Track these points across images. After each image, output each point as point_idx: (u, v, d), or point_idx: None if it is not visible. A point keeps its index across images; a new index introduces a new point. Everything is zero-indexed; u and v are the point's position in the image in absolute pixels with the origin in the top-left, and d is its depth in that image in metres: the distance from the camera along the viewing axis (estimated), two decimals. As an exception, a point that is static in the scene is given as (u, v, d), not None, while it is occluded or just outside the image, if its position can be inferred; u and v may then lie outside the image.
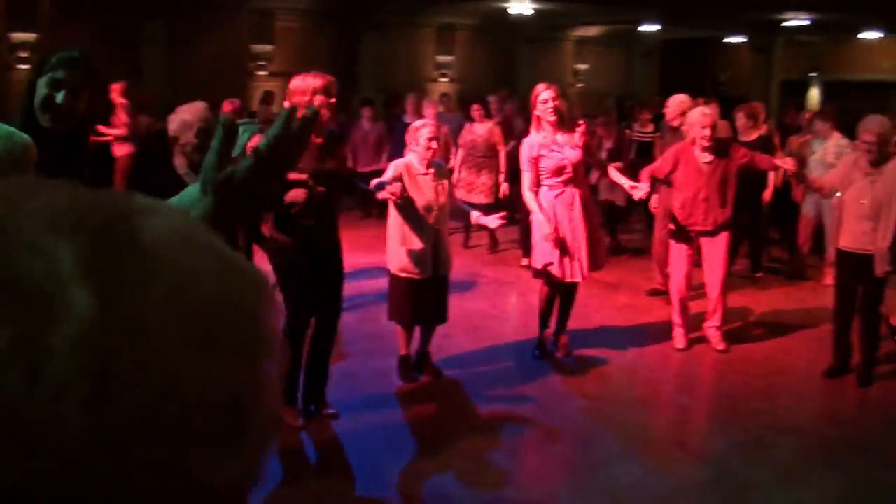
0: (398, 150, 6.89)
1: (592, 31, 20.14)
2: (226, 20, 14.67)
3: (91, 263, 0.44)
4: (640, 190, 5.88)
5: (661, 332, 6.49)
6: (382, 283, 5.77)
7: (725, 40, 22.23)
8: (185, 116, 3.93)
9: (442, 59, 17.90)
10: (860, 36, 19.52)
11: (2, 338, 0.42)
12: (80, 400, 0.42)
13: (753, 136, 7.67)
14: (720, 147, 6.06)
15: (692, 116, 6.09)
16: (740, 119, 7.84)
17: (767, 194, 7.87)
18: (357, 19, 15.88)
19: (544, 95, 5.53)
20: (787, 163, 6.10)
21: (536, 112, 5.58)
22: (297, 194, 4.17)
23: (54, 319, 0.43)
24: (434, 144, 5.22)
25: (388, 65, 16.52)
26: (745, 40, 21.03)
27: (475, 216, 5.62)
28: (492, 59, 18.46)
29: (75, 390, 0.42)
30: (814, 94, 21.73)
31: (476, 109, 9.29)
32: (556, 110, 5.55)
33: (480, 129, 9.16)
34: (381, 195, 4.99)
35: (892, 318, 6.05)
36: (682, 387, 6.14)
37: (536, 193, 5.66)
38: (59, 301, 0.43)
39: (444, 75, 17.85)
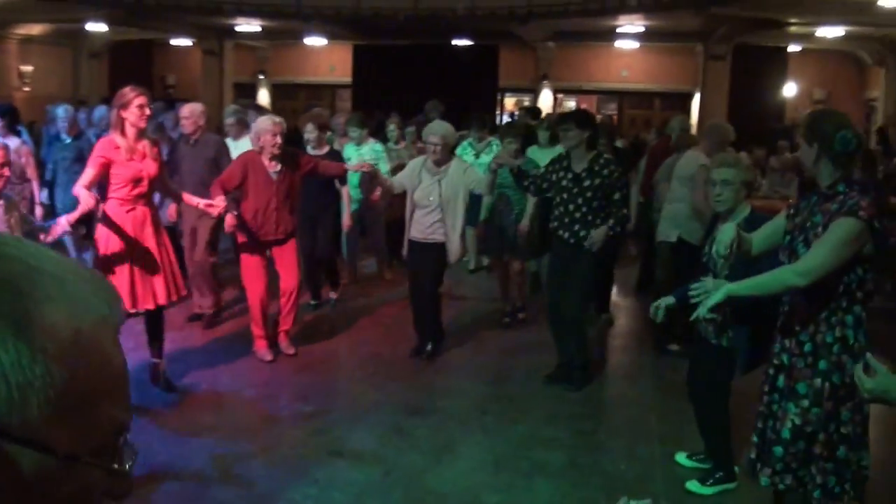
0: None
1: (37, 29, 18.39)
2: None
3: None
4: (216, 206, 5.58)
5: (243, 349, 6.35)
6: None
7: (174, 42, 22.12)
8: None
9: None
10: (305, 41, 21.14)
11: None
12: None
13: (324, 150, 7.33)
14: (286, 156, 6.06)
15: (261, 125, 5.97)
16: (311, 131, 7.29)
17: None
18: None
19: (140, 101, 4.97)
20: (363, 165, 6.37)
21: (125, 114, 4.97)
22: None
23: None
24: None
25: None
26: (193, 43, 21.17)
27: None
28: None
29: None
30: (263, 96, 22.94)
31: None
32: (148, 118, 5.06)
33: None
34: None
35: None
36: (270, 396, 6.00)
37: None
38: None
39: None
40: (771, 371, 3.48)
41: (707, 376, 4.37)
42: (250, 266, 6.11)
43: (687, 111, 22.91)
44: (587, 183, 5.44)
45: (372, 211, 8.15)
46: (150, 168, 5.20)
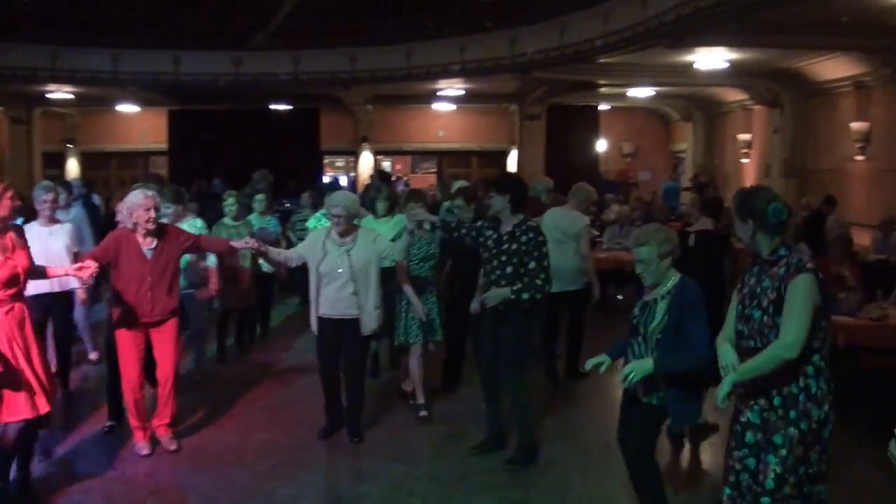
0: None
1: None
2: None
3: None
4: (87, 268, 4.86)
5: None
6: None
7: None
8: None
9: None
10: (117, 108, 20.10)
11: None
12: None
13: None
14: (162, 231, 5.60)
15: (133, 199, 5.46)
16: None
17: None
18: None
19: (10, 192, 4.43)
20: (249, 242, 5.94)
21: None
22: None
23: None
24: None
25: None
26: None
27: None
28: None
29: None
30: (72, 165, 21.54)
31: None
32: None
33: None
34: None
35: (404, 384, 6.52)
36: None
37: None
38: None
39: None
40: (738, 428, 3.64)
41: (637, 433, 4.38)
42: (124, 347, 5.53)
43: (503, 167, 23.75)
44: (505, 247, 5.32)
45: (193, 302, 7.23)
46: (22, 261, 4.63)
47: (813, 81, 16.15)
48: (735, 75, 16.62)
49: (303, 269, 8.64)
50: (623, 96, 20.80)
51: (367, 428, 6.18)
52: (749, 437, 3.56)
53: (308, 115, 21.28)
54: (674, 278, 4.30)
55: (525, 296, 5.24)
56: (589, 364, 4.51)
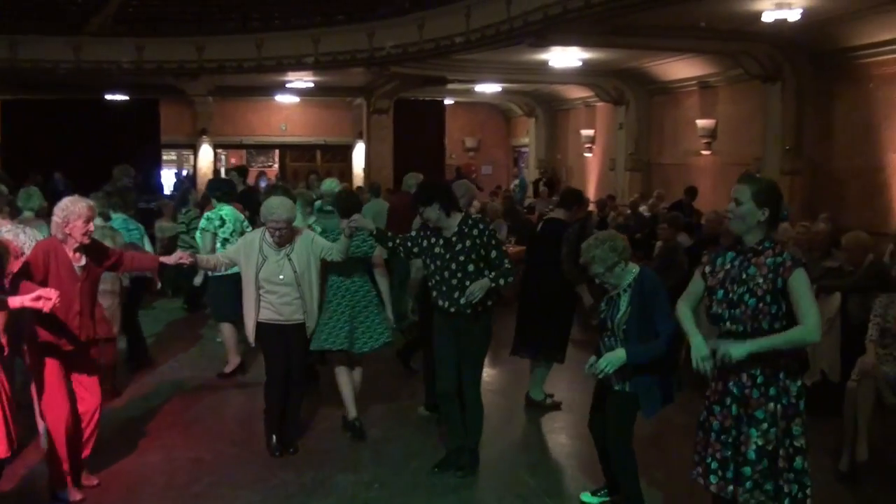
0: None
1: None
2: None
3: None
4: (47, 297, 4.25)
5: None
6: None
7: None
8: None
9: None
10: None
11: None
12: None
13: None
14: (90, 247, 4.93)
15: (73, 207, 4.81)
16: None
17: None
18: None
19: None
20: (183, 258, 5.44)
21: None
22: None
23: None
24: None
25: None
26: None
27: None
28: None
29: None
30: None
31: None
32: None
33: None
34: None
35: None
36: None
37: None
38: None
39: None
40: (728, 401, 3.78)
41: (614, 421, 4.55)
42: (53, 382, 4.79)
43: (348, 161, 23.55)
44: (459, 247, 5.15)
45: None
46: None
47: (658, 81, 17.05)
48: (584, 74, 17.27)
49: (190, 271, 8.26)
50: (469, 91, 21.12)
51: (322, 434, 5.99)
52: (734, 409, 3.73)
53: (148, 106, 20.20)
54: (633, 271, 4.51)
55: (502, 281, 5.15)
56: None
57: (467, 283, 5.10)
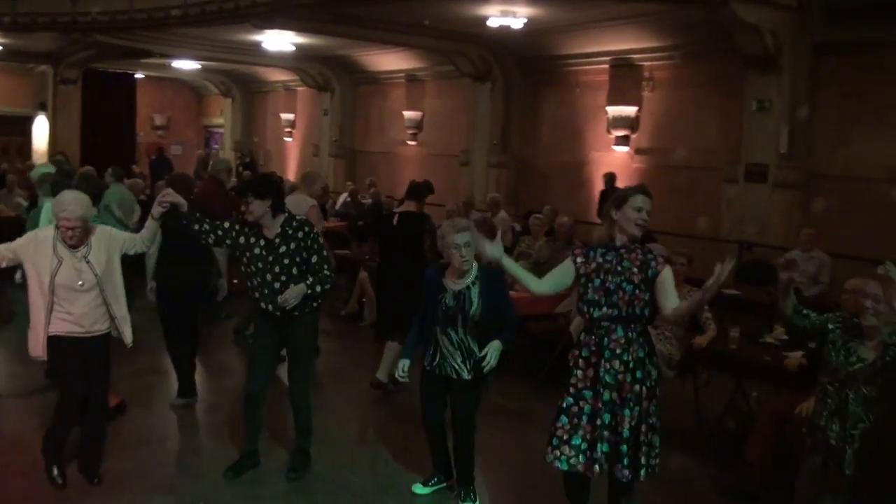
0: None
1: None
2: None
3: None
4: None
5: None
6: None
7: None
8: None
9: None
10: None
11: None
12: None
13: None
14: None
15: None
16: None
17: None
18: None
19: None
20: None
21: None
22: None
23: None
24: None
25: None
26: None
27: None
28: None
29: None
30: None
31: None
32: None
33: None
34: None
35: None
36: None
37: None
38: None
39: None
40: (600, 388, 4.15)
41: (468, 405, 4.89)
42: None
43: (28, 135, 21.24)
44: (282, 249, 4.99)
45: None
46: None
47: (366, 70, 17.44)
48: (292, 58, 17.17)
49: None
50: (164, 66, 20.03)
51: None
52: (606, 396, 4.12)
53: None
54: (475, 265, 4.84)
55: (319, 288, 5.07)
56: (402, 371, 4.88)
57: (291, 284, 5.00)
